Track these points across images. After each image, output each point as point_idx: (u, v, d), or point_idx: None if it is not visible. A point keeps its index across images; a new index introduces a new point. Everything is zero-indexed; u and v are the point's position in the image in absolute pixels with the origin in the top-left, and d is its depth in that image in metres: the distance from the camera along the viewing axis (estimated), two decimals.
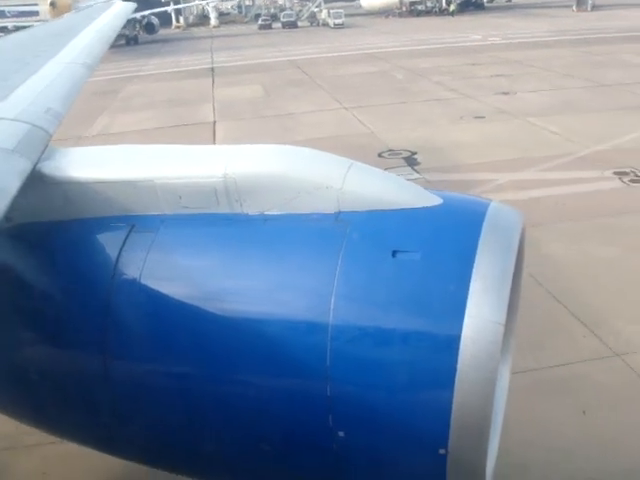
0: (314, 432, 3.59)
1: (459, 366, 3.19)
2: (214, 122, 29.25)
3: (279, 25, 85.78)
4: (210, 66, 49.74)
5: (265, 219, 3.73)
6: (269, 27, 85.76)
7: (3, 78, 5.73)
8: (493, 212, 3.61)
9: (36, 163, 3.87)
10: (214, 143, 24.30)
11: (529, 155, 20.20)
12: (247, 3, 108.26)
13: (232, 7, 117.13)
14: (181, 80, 43.32)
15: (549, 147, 21.23)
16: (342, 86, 35.81)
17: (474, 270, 3.29)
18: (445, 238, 3.53)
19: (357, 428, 3.51)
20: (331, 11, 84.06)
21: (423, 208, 3.62)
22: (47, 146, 4.14)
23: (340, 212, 3.63)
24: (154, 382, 3.83)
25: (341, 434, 3.49)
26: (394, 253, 3.42)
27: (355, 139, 23.33)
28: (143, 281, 3.70)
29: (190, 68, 49.07)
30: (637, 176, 18.14)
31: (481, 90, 31.81)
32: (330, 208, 3.64)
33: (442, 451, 3.33)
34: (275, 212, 3.72)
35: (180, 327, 3.68)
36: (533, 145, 21.58)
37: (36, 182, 3.81)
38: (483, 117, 26.27)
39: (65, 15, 13.15)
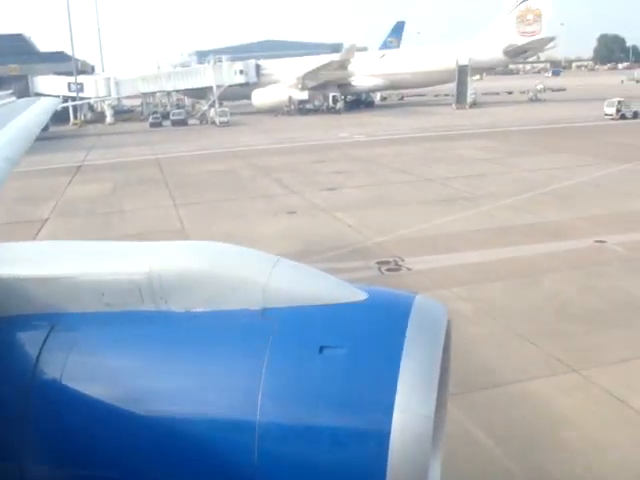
0: None
1: (390, 462, 3.18)
2: (46, 220, 29.69)
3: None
4: (79, 164, 50.34)
5: (190, 316, 3.67)
6: (159, 125, 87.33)
7: None
8: (418, 306, 3.63)
9: None
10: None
11: (312, 248, 21.31)
12: (149, 101, 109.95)
13: (139, 105, 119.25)
14: (40, 178, 43.61)
15: (336, 240, 22.49)
16: (186, 184, 36.92)
17: (401, 364, 3.30)
18: (371, 333, 3.51)
19: None
20: (217, 110, 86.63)
21: (349, 303, 3.62)
22: None
23: (266, 308, 3.61)
24: None
25: None
26: (321, 349, 3.40)
27: (163, 235, 24.09)
28: (64, 382, 3.57)
29: (56, 166, 49.50)
30: (396, 265, 19.46)
31: (311, 186, 33.38)
32: (256, 304, 3.62)
33: None
34: (200, 309, 3.67)
35: (103, 431, 3.55)
36: (322, 238, 22.80)
37: None
38: (295, 212, 27.58)
39: None
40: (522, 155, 40.94)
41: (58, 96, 60.19)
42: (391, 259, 19.87)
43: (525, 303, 16.12)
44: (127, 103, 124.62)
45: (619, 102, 64.02)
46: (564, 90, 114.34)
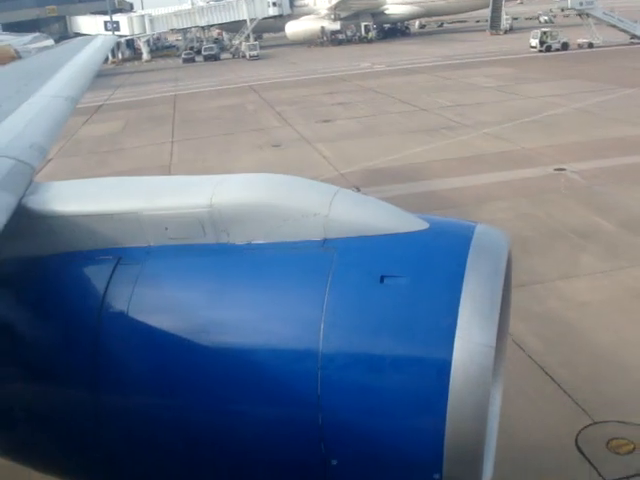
0: (306, 461, 3.56)
1: (451, 391, 3.16)
2: (49, 160, 30.95)
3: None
4: (101, 103, 51.48)
5: (252, 248, 3.71)
6: (192, 60, 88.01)
7: None
8: (479, 235, 3.60)
9: (21, 198, 3.84)
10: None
11: None
12: (188, 36, 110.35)
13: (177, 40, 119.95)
14: None
15: (306, 171, 23.03)
16: (191, 120, 37.94)
17: (462, 294, 3.26)
18: (432, 262, 3.51)
19: (350, 456, 3.47)
20: (247, 44, 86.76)
21: (410, 233, 3.61)
22: (31, 181, 4.12)
23: (327, 239, 3.61)
24: (145, 415, 3.79)
25: (334, 462, 3.46)
26: (382, 279, 3.40)
27: (149, 171, 25.11)
28: (131, 314, 3.66)
29: (79, 106, 50.49)
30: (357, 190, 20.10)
31: (308, 119, 33.98)
32: (317, 235, 3.63)
33: (436, 476, 3.31)
34: (261, 241, 3.71)
35: (169, 359, 3.64)
36: (294, 170, 23.41)
37: (22, 217, 3.77)
38: (280, 145, 28.29)
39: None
40: (532, 82, 40.56)
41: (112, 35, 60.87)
42: (352, 189, 20.46)
43: None
44: (171, 39, 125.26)
45: (543, 33, 59.77)
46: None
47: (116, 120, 41.21)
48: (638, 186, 18.69)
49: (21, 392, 3.98)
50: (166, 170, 25.48)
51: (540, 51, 58.45)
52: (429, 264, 3.49)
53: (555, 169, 21.15)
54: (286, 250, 3.65)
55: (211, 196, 3.72)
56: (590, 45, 59.17)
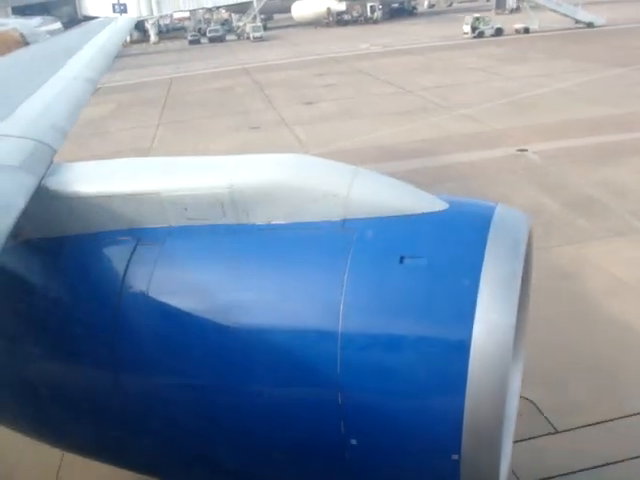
0: (326, 440, 3.58)
1: (470, 371, 3.16)
2: None
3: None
4: (99, 87, 51.82)
5: (272, 229, 3.72)
6: (198, 42, 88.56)
7: (8, 95, 5.71)
8: (499, 216, 3.61)
9: (42, 179, 3.85)
10: None
11: None
12: (197, 17, 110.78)
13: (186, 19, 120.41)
14: None
15: (279, 152, 23.50)
16: (181, 103, 38.50)
17: (482, 274, 3.28)
18: (452, 243, 3.52)
19: (369, 435, 3.49)
20: (251, 25, 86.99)
21: (429, 213, 3.63)
22: (52, 162, 4.13)
23: (346, 219, 3.63)
24: (165, 394, 3.82)
25: (353, 442, 3.48)
26: (401, 259, 3.41)
27: (128, 154, 25.61)
28: (151, 294, 3.68)
29: None
30: None
31: (292, 101, 34.31)
32: (336, 216, 3.64)
33: (455, 456, 3.33)
34: (281, 221, 3.73)
35: (190, 339, 3.66)
36: (266, 151, 23.83)
37: (42, 198, 3.78)
38: (258, 127, 28.67)
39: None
40: (520, 62, 40.65)
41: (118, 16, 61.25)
42: None
43: None
44: (180, 21, 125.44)
45: (476, 19, 59.21)
46: None
47: (108, 104, 41.51)
48: (590, 166, 18.95)
49: (43, 370, 4.05)
50: (145, 153, 25.92)
51: (474, 37, 58.10)
52: (449, 245, 3.51)
53: (517, 150, 21.39)
54: (306, 230, 3.68)
55: (231, 176, 3.75)
56: (526, 30, 59.00)
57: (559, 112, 26.15)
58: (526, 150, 21.24)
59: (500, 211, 3.66)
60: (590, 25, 58.65)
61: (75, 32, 14.20)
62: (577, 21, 59.60)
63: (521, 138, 22.72)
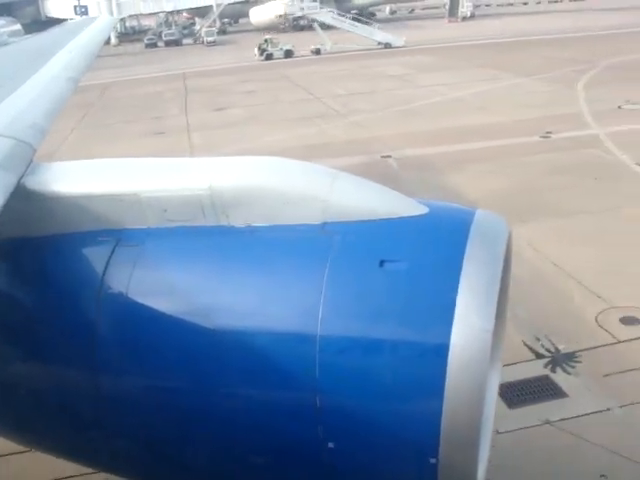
0: (304, 444, 3.58)
1: (448, 375, 3.17)
2: None
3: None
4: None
5: (251, 231, 3.71)
6: (154, 45, 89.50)
7: None
8: (479, 220, 3.63)
9: (21, 178, 3.79)
10: None
11: None
12: (158, 21, 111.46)
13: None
14: None
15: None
16: (108, 107, 40.25)
17: (461, 279, 3.28)
18: (432, 247, 3.53)
19: (347, 439, 3.49)
20: (205, 29, 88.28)
21: (409, 217, 3.63)
22: (32, 161, 4.07)
23: (326, 223, 3.62)
24: (143, 396, 3.82)
25: (331, 445, 3.48)
26: (381, 263, 3.41)
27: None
28: (130, 295, 3.66)
29: None
30: None
31: (208, 107, 36.00)
32: (316, 219, 3.63)
33: (433, 460, 3.34)
34: (261, 224, 3.71)
35: (168, 341, 3.65)
36: (166, 154, 25.28)
37: (21, 197, 3.72)
38: (163, 133, 30.23)
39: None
40: (440, 70, 42.48)
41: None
42: None
43: None
44: (148, 23, 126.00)
45: (265, 41, 59.69)
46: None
47: None
48: (434, 172, 20.60)
49: (21, 372, 4.04)
50: (49, 159, 27.17)
51: (261, 60, 58.52)
52: (428, 249, 3.54)
53: (382, 156, 22.96)
54: (286, 233, 3.68)
55: (211, 178, 3.76)
56: (317, 52, 59.80)
57: (435, 119, 27.69)
58: (390, 156, 22.78)
59: (479, 215, 3.71)
60: (388, 45, 60.41)
61: (57, 31, 13.91)
62: (379, 42, 60.92)
63: (391, 144, 24.20)
